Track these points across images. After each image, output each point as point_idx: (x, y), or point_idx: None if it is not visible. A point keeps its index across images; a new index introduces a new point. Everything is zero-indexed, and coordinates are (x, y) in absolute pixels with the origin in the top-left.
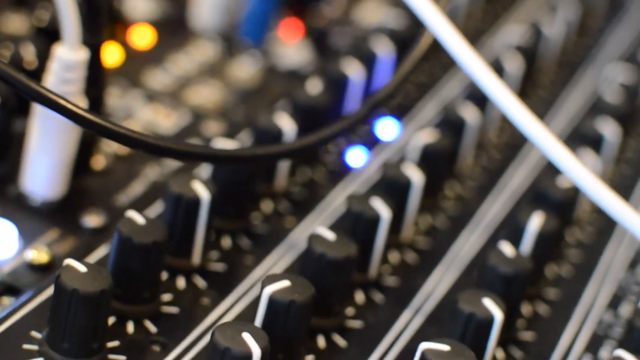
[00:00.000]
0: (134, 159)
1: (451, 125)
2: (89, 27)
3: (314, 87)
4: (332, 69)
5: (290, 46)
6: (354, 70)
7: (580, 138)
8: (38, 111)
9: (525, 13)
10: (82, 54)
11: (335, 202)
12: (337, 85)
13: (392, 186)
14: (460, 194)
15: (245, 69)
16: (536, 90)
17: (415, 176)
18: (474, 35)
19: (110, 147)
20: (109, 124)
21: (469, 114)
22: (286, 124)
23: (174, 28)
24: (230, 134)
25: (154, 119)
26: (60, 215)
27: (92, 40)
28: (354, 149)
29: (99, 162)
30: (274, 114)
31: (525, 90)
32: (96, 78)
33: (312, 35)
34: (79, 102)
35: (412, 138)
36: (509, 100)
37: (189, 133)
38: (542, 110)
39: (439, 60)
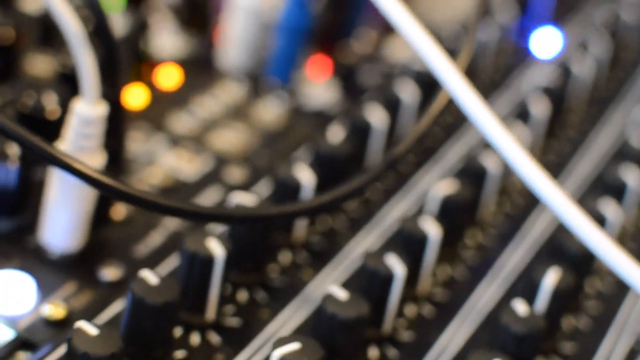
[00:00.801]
0: None
1: (473, 173)
2: (109, 80)
3: (336, 134)
4: (356, 115)
5: (318, 84)
6: (377, 117)
7: (603, 186)
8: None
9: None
10: (100, 109)
11: (355, 251)
12: (360, 132)
13: (408, 241)
14: (481, 242)
15: (270, 110)
16: (564, 130)
17: (433, 231)
18: (503, 74)
19: None
20: (122, 186)
21: (491, 161)
22: (305, 177)
23: (201, 67)
24: (252, 180)
25: (177, 164)
26: (78, 268)
27: (112, 93)
28: None
29: (119, 212)
30: (294, 166)
31: (554, 131)
32: (116, 131)
33: (341, 73)
34: (97, 157)
35: (432, 188)
36: (520, 158)
37: (211, 180)
38: (570, 150)
39: None
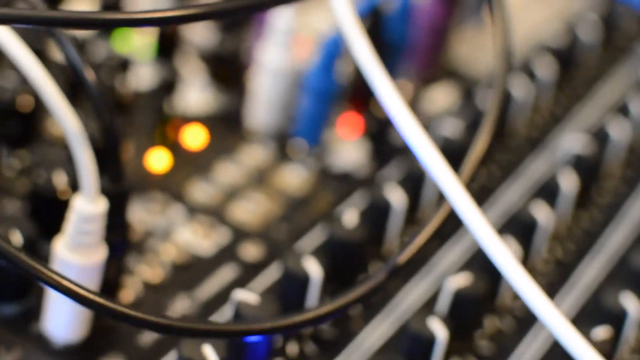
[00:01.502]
0: (166, 288)
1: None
2: (111, 174)
3: (352, 217)
4: (376, 196)
5: (348, 144)
6: (397, 198)
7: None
8: (56, 256)
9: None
10: (100, 206)
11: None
12: (379, 212)
13: (414, 344)
14: (500, 328)
15: (295, 175)
16: (598, 198)
17: (440, 333)
18: (537, 139)
19: (141, 275)
20: (115, 306)
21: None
22: (314, 270)
23: (228, 125)
24: (268, 259)
25: (192, 239)
26: (80, 358)
27: (114, 187)
28: None
29: (128, 294)
30: (302, 258)
31: (584, 201)
32: (118, 225)
33: (372, 131)
34: (98, 253)
35: (444, 283)
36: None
37: (226, 256)
38: (604, 219)
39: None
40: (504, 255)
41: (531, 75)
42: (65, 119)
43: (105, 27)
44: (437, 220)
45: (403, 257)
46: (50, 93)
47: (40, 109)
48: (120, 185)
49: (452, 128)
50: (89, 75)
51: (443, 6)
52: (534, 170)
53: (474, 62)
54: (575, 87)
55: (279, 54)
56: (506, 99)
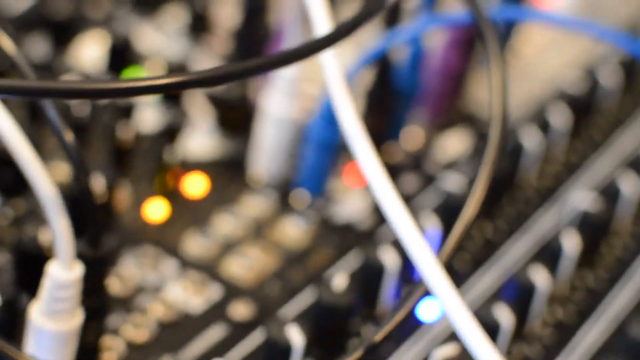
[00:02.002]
0: (150, 349)
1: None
2: (89, 238)
3: (342, 281)
4: (369, 256)
5: (352, 194)
6: (391, 260)
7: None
8: (31, 322)
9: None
10: (76, 272)
11: None
12: (372, 274)
13: None
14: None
15: (296, 227)
16: (605, 257)
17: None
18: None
19: (125, 335)
20: None
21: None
22: (296, 339)
23: (231, 173)
24: (258, 319)
25: (182, 295)
26: None
27: (92, 252)
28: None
29: (109, 356)
30: (286, 326)
31: (590, 260)
32: (96, 290)
33: None
34: (74, 319)
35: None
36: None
37: (216, 314)
38: (610, 280)
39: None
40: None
41: (545, 124)
42: (39, 183)
43: (98, 97)
44: (412, 302)
45: (380, 335)
46: (24, 156)
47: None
48: (98, 250)
49: (456, 182)
50: (68, 137)
51: (458, 50)
52: (542, 225)
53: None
54: (591, 136)
55: (283, 103)
56: (517, 151)
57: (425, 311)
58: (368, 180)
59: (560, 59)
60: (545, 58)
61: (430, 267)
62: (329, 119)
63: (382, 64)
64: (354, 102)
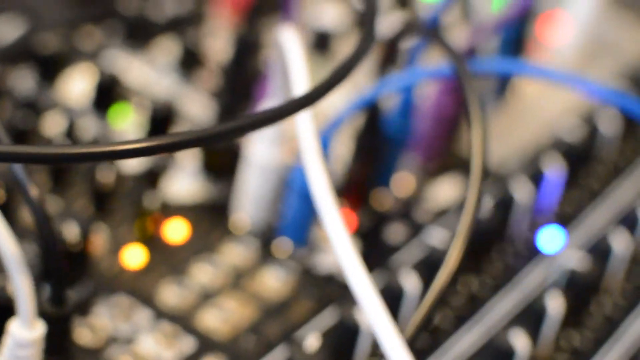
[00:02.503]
0: None
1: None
2: (53, 296)
3: (314, 342)
4: (344, 316)
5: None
6: (366, 323)
7: None
8: None
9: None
10: (37, 331)
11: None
12: (346, 334)
13: None
14: None
15: (276, 278)
16: (593, 317)
17: None
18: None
19: None
20: None
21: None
22: None
23: (212, 220)
24: None
25: (154, 348)
26: None
27: (55, 310)
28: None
29: None
30: None
31: (577, 320)
32: (59, 348)
33: (365, 229)
34: None
35: None
36: None
37: None
38: (593, 348)
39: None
40: None
41: (538, 174)
42: (3, 241)
43: (72, 162)
44: None
45: None
46: None
47: (13, 199)
48: (62, 307)
49: (440, 237)
50: (33, 192)
51: (451, 94)
52: (530, 281)
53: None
54: (586, 187)
55: (267, 149)
56: (507, 203)
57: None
58: (334, 250)
59: (559, 104)
60: (543, 103)
61: (393, 349)
62: None
63: (371, 109)
64: (326, 166)
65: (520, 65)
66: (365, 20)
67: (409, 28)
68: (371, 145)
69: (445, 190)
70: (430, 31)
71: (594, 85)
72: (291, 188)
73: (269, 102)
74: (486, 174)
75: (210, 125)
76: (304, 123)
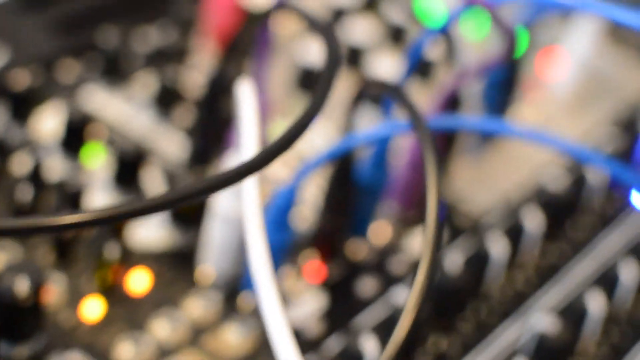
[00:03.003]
0: None
1: None
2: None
3: None
4: None
5: (303, 298)
6: None
7: None
8: None
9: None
10: None
11: None
12: None
13: None
14: None
15: (236, 333)
16: None
17: None
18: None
19: None
20: None
21: None
22: None
23: (177, 270)
24: None
25: None
26: None
27: None
28: None
29: None
30: None
31: None
32: None
33: (336, 281)
34: None
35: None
36: None
37: None
38: None
39: None
40: None
41: (517, 227)
42: None
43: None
44: None
45: None
46: None
47: None
48: None
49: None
50: None
51: None
52: (501, 342)
53: (469, 199)
54: (568, 240)
55: (232, 200)
56: (483, 258)
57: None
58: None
59: (543, 152)
60: (530, 150)
61: None
62: (278, 219)
63: (343, 159)
64: (265, 239)
65: (488, 122)
66: (321, 82)
67: (371, 85)
68: (342, 195)
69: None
70: (391, 88)
71: (565, 143)
72: None
73: (233, 151)
74: (440, 244)
75: (138, 200)
76: (248, 190)
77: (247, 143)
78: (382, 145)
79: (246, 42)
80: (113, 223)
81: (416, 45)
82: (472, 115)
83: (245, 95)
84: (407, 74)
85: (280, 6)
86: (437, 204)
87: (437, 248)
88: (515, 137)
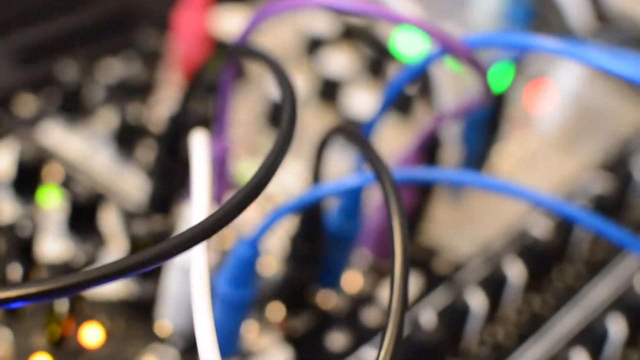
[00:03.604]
0: None
1: None
2: None
3: None
4: None
5: (270, 350)
6: None
7: None
8: None
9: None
10: None
11: None
12: None
13: None
14: None
15: None
16: None
17: None
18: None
19: None
20: None
21: None
22: None
23: (134, 323)
24: None
25: None
26: None
27: None
28: None
29: None
30: None
31: None
32: None
33: (304, 334)
34: None
35: None
36: None
37: None
38: None
39: None
40: None
41: (498, 278)
42: None
43: None
44: None
45: None
46: None
47: None
48: None
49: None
50: None
51: (403, 189)
52: None
53: (448, 245)
54: (552, 291)
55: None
56: (463, 312)
57: None
58: None
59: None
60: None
61: None
62: (239, 277)
63: (313, 209)
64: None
65: (458, 175)
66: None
67: (337, 131)
68: (311, 245)
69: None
70: (357, 138)
71: (539, 196)
72: (215, 295)
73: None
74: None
75: (76, 273)
76: (197, 256)
77: (197, 208)
78: (353, 195)
79: (210, 76)
80: (41, 301)
81: (393, 82)
82: (440, 168)
83: (199, 148)
84: (380, 112)
85: (234, 49)
86: (403, 267)
87: (404, 311)
88: (487, 190)
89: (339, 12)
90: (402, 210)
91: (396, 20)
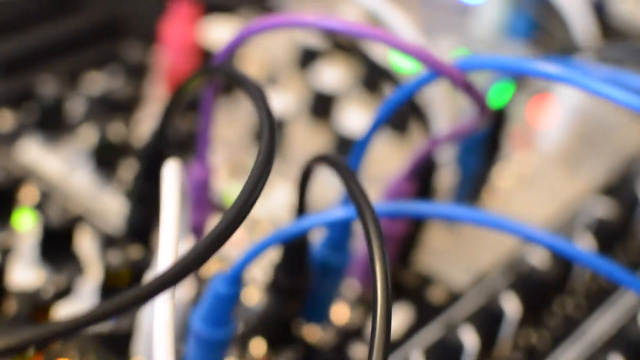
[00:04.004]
0: None
1: None
2: None
3: None
4: None
5: None
6: None
7: None
8: None
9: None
10: None
11: None
12: None
13: None
14: None
15: None
16: None
17: None
18: None
19: None
20: None
21: None
22: None
23: (107, 358)
24: None
25: None
26: None
27: None
28: None
29: None
30: None
31: None
32: None
33: None
34: None
35: None
36: None
37: None
38: None
39: None
40: None
41: (494, 314)
42: None
43: None
44: None
45: None
46: None
47: None
48: None
49: None
50: None
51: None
52: None
53: (443, 275)
54: (551, 325)
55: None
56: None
57: None
58: None
59: (537, 218)
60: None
61: None
62: (216, 315)
63: (299, 240)
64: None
65: (448, 209)
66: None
67: (320, 161)
68: (293, 281)
69: (395, 323)
70: (340, 167)
71: (531, 231)
72: (191, 332)
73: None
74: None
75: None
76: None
77: (164, 251)
78: (341, 226)
79: (193, 94)
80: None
81: (386, 102)
82: (429, 202)
83: (170, 183)
84: (370, 132)
85: (214, 68)
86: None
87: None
88: (478, 225)
89: (328, 32)
90: (384, 255)
91: (387, 43)
